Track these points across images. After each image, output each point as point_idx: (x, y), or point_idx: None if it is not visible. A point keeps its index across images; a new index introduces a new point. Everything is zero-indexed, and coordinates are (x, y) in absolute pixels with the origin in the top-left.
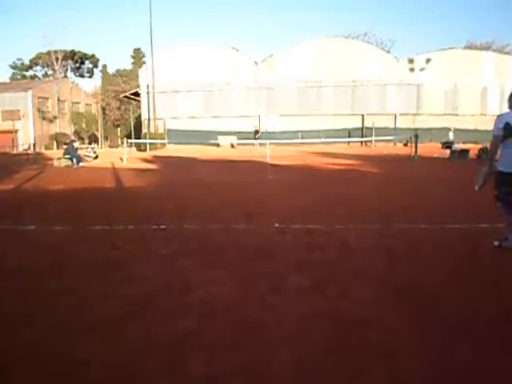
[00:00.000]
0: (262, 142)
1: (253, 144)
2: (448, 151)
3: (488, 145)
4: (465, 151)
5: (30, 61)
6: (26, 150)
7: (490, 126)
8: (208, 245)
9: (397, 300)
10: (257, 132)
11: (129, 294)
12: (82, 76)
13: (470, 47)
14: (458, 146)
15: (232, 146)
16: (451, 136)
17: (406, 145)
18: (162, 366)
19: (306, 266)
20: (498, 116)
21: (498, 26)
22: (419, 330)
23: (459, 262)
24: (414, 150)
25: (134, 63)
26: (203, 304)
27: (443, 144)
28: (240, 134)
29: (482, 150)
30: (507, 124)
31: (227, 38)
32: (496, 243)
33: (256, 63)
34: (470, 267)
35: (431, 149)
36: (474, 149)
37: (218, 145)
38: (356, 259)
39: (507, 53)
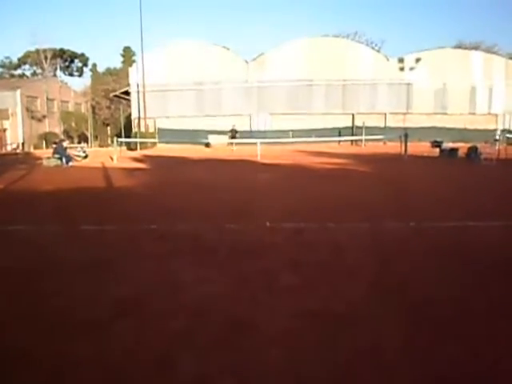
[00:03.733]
0: (238, 141)
1: (232, 144)
2: (437, 150)
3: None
4: (454, 150)
5: (19, 59)
6: (14, 149)
7: (479, 125)
8: (199, 244)
9: (387, 299)
10: (235, 132)
11: (119, 294)
12: (71, 75)
13: (459, 47)
14: (447, 145)
15: (207, 145)
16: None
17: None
18: (152, 367)
19: (298, 264)
20: None
21: (486, 26)
22: (408, 328)
23: (449, 261)
24: (403, 148)
25: (123, 62)
26: (194, 303)
27: (432, 143)
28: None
29: (471, 149)
30: None
31: (218, 36)
32: None
33: (247, 62)
34: (460, 266)
35: (420, 148)
36: (463, 148)
37: (207, 144)
38: (347, 258)
39: (495, 52)
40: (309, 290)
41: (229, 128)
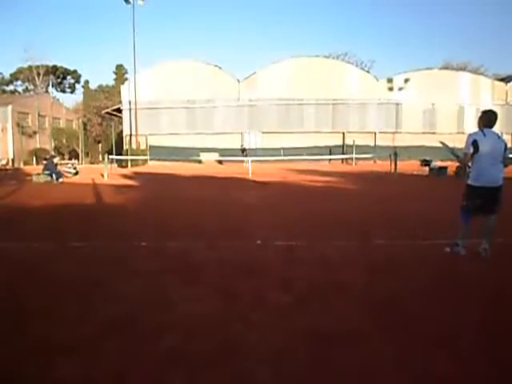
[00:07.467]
0: (248, 159)
1: (242, 161)
2: (427, 168)
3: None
4: (443, 168)
5: (11, 75)
6: (4, 165)
7: None
8: (190, 262)
9: (377, 316)
10: (244, 150)
11: (109, 312)
12: (63, 91)
13: (446, 67)
14: (436, 164)
15: (220, 162)
16: None
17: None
18: None
19: (288, 282)
20: (469, 135)
21: (473, 48)
22: (399, 345)
23: (438, 278)
24: (393, 167)
25: (116, 79)
26: (184, 322)
27: (422, 161)
28: (223, 151)
29: (459, 168)
30: (475, 142)
31: (210, 55)
32: (447, 249)
33: (238, 81)
34: (448, 282)
35: (410, 166)
36: (451, 166)
37: (200, 161)
38: (337, 275)
39: (482, 73)
40: (300, 308)
41: (220, 146)
